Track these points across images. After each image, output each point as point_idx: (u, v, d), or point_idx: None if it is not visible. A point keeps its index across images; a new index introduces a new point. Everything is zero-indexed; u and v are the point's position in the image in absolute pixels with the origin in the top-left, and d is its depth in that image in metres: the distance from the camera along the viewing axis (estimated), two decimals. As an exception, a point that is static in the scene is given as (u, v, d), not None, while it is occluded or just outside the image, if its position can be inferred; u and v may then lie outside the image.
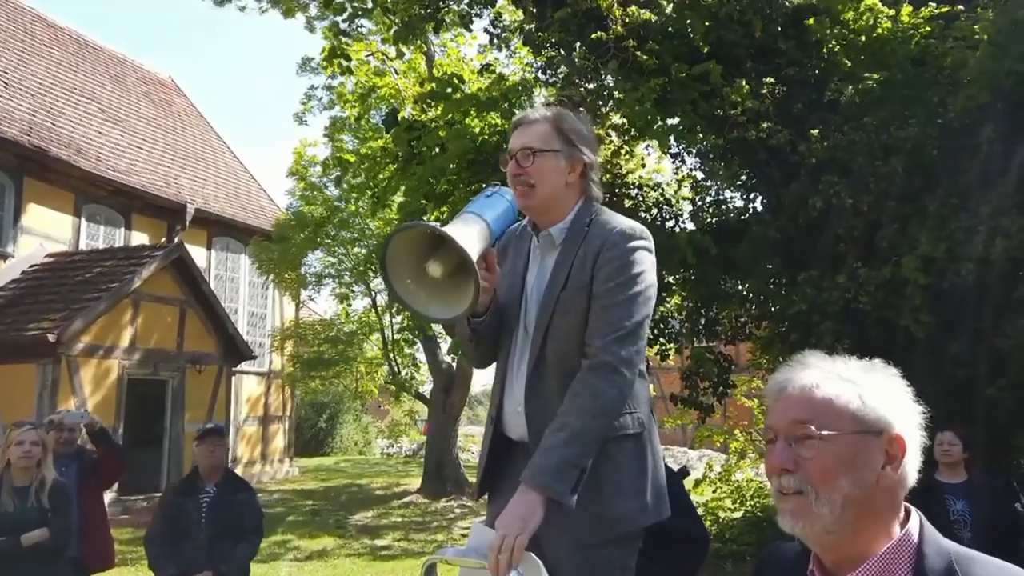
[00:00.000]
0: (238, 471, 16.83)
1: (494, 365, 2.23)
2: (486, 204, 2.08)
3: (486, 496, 2.25)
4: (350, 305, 17.93)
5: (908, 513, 1.19)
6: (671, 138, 7.70)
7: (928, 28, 6.38)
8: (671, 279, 7.98)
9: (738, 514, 9.45)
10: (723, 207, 8.25)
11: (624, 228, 2.06)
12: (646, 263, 2.04)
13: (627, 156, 8.38)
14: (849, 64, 6.54)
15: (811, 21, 6.45)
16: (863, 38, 6.57)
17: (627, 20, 6.57)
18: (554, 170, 2.10)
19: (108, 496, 5.53)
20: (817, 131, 6.28)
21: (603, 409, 1.91)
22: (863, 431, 1.15)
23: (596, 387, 1.92)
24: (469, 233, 1.92)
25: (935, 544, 1.15)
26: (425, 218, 8.09)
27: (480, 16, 8.11)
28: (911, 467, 1.18)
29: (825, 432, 1.15)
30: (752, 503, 9.48)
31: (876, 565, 1.14)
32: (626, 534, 1.98)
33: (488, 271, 2.04)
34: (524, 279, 2.16)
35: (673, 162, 8.55)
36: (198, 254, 15.89)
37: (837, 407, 1.16)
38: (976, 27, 5.97)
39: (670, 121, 7.34)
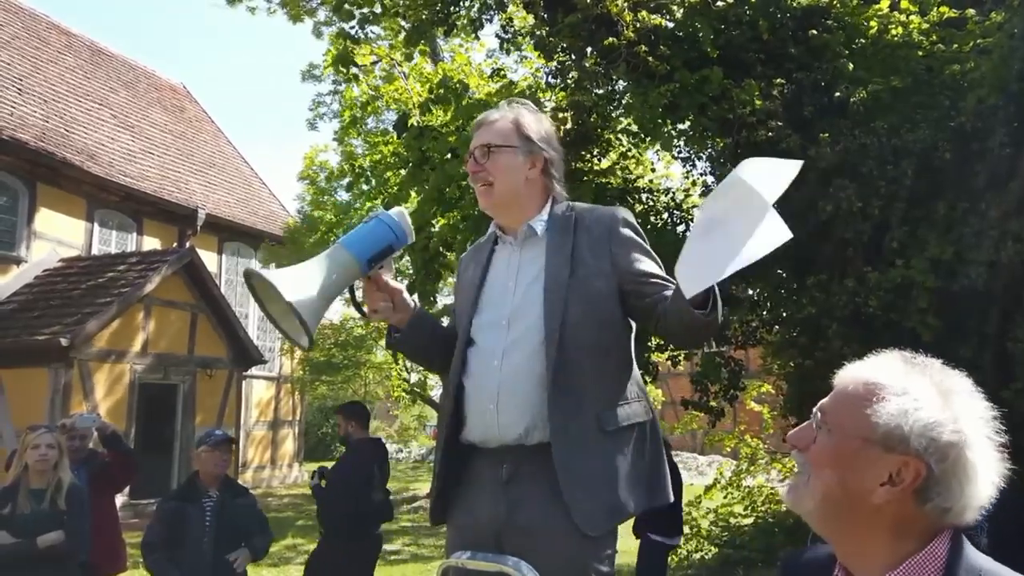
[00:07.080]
0: (247, 476, 16.94)
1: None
2: (353, 232, 2.07)
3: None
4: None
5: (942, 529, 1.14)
6: (681, 143, 7.70)
7: (935, 36, 6.36)
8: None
9: (749, 520, 9.41)
10: (733, 212, 8.22)
11: (617, 211, 2.14)
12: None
13: (636, 161, 8.39)
14: (856, 68, 6.52)
15: (816, 32, 6.43)
16: (871, 44, 6.55)
17: (638, 25, 6.58)
18: (512, 166, 2.09)
19: (118, 500, 5.55)
20: (827, 135, 6.27)
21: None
22: (870, 439, 1.13)
23: None
24: (302, 275, 1.92)
25: (966, 561, 1.10)
26: (435, 223, 8.11)
27: (490, 21, 8.12)
28: (950, 501, 1.10)
29: (833, 426, 1.18)
30: (763, 509, 9.42)
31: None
32: (621, 521, 1.99)
33: (378, 290, 2.08)
34: (484, 281, 2.15)
35: (683, 167, 8.55)
36: (209, 259, 15.98)
37: (857, 408, 1.15)
38: (981, 29, 5.96)
39: (680, 126, 7.34)
